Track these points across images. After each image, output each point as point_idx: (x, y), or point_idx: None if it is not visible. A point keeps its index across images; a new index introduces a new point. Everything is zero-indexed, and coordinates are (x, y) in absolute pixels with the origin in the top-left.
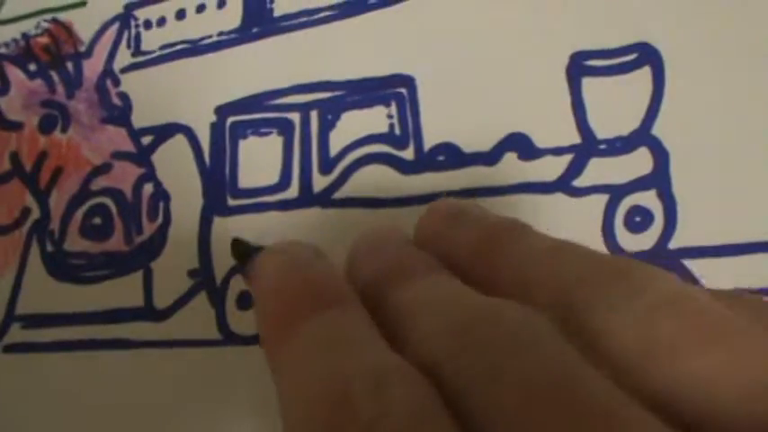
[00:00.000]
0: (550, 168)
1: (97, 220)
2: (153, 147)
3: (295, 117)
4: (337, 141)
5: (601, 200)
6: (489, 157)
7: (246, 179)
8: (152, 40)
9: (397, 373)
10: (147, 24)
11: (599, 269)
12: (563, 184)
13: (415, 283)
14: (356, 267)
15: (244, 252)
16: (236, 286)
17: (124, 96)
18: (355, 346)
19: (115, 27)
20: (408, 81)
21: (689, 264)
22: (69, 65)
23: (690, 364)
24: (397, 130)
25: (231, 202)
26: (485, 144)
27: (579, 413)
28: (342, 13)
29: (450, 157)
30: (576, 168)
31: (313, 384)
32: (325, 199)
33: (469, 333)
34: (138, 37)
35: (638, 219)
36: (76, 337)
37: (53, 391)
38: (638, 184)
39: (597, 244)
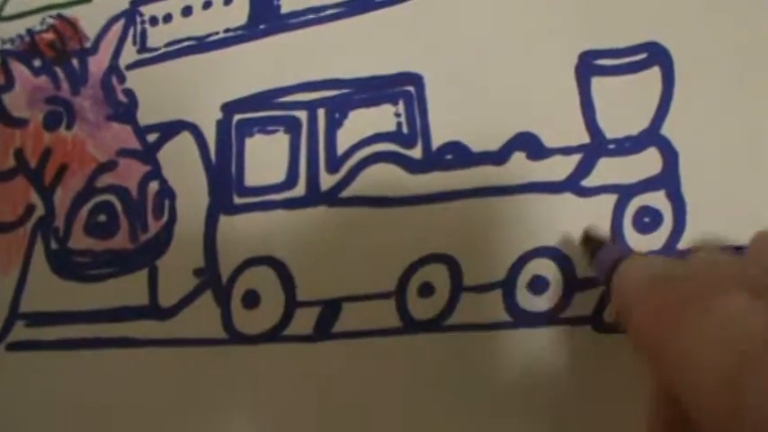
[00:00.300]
0: (559, 168)
1: (102, 218)
2: (159, 144)
3: (302, 115)
4: (345, 140)
5: (609, 200)
6: (498, 157)
7: (253, 177)
8: (158, 37)
9: None
10: (153, 21)
11: None
12: (572, 184)
13: None
14: None
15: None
16: (241, 285)
17: (130, 93)
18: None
19: (121, 23)
20: (416, 79)
21: None
22: (74, 61)
23: None
24: (405, 129)
25: (237, 200)
26: (493, 143)
27: None
28: (349, 10)
29: (458, 156)
30: (584, 168)
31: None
32: (332, 198)
33: None
34: (143, 33)
35: (646, 219)
36: (81, 335)
37: (57, 389)
38: (647, 185)
39: None
